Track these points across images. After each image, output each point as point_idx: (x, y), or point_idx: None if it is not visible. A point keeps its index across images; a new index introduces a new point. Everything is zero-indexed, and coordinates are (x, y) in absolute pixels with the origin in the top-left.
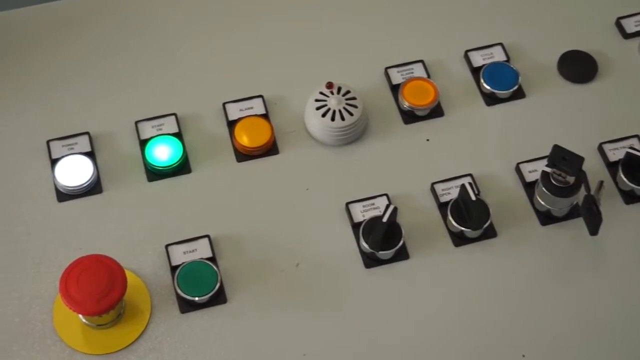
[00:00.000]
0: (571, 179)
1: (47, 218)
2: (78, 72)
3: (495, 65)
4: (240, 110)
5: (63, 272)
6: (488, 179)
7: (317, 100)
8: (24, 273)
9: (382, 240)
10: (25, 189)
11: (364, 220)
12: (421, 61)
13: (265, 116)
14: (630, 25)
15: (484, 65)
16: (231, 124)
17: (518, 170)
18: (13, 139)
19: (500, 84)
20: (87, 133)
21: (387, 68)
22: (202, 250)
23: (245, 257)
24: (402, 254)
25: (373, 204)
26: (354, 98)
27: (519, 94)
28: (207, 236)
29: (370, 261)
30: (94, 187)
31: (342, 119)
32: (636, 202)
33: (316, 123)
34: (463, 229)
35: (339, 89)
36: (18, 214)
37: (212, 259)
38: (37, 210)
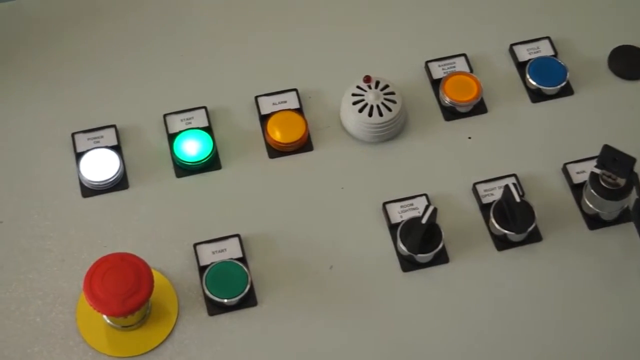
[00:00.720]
0: (622, 181)
1: (71, 214)
2: (104, 63)
3: (542, 60)
4: (273, 104)
5: (87, 270)
6: (533, 179)
7: (354, 95)
8: (46, 271)
9: (421, 242)
10: (48, 183)
11: (402, 221)
12: (464, 55)
13: (300, 110)
14: None
15: (530, 59)
16: (263, 119)
17: (565, 171)
18: (37, 131)
19: (547, 79)
20: (114, 126)
21: (427, 62)
22: (231, 250)
23: (276, 258)
24: (441, 258)
25: (412, 205)
26: (392, 93)
27: (566, 91)
28: (237, 235)
29: (408, 264)
30: (120, 183)
31: (380, 114)
32: None
33: (353, 118)
34: (506, 232)
35: (377, 83)
36: (41, 209)
37: (242, 260)
38: (61, 206)
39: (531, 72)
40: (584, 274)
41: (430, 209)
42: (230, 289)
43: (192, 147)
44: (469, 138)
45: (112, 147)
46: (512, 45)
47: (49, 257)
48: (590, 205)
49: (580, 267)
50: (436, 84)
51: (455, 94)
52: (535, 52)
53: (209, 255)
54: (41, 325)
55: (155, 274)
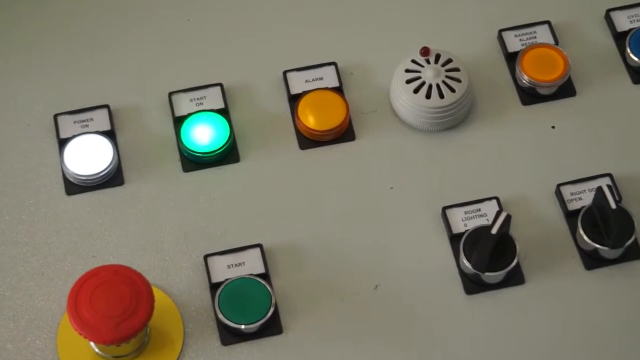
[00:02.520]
0: None
1: (53, 216)
2: (95, 29)
3: None
4: (307, 81)
5: (72, 286)
6: (634, 181)
7: (408, 71)
8: (21, 286)
9: (490, 258)
10: (24, 178)
11: (466, 231)
12: (547, 22)
13: (339, 90)
14: None
15: (631, 30)
16: (294, 99)
17: None
18: (10, 113)
19: None
20: (107, 106)
21: (501, 31)
22: (251, 263)
23: (307, 274)
24: (515, 278)
25: (479, 210)
26: (456, 69)
27: None
28: (259, 245)
29: (473, 285)
30: (113, 178)
31: (441, 96)
32: None
33: (406, 101)
34: (598, 246)
35: (438, 57)
36: (16, 210)
37: (265, 276)
38: (40, 205)
39: (632, 45)
40: None
41: (503, 216)
42: (249, 313)
43: (203, 134)
44: (553, 127)
45: (104, 133)
46: (608, 11)
47: (24, 269)
48: None
49: None
50: (512, 58)
51: (535, 71)
52: (638, 20)
53: (224, 269)
54: (13, 354)
55: (156, 292)
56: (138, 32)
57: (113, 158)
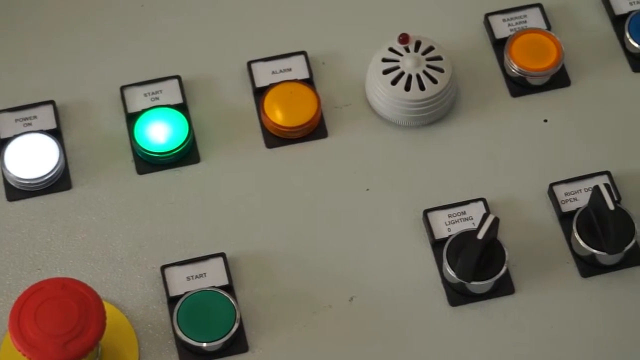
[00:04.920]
0: None
1: None
2: (40, 16)
3: None
4: (273, 72)
5: (15, 302)
6: (634, 180)
7: (385, 61)
8: None
9: (477, 265)
10: None
11: (450, 236)
12: (538, 5)
13: (310, 82)
14: None
15: (631, 12)
16: (259, 93)
17: None
18: None
19: None
20: (52, 102)
21: (487, 15)
22: (214, 275)
23: (275, 286)
24: (504, 287)
25: (464, 213)
26: (438, 58)
27: None
28: (222, 255)
29: (458, 296)
30: (59, 181)
31: (422, 88)
32: None
33: (383, 93)
34: (595, 251)
35: (418, 45)
36: None
37: (229, 288)
38: None
39: (632, 30)
40: None
41: (490, 219)
42: (211, 329)
43: (160, 133)
44: (545, 121)
45: (49, 132)
46: None
47: None
48: None
49: None
50: (500, 45)
51: (526, 60)
52: (638, 2)
53: (183, 282)
54: None
55: (108, 307)
56: (87, 19)
57: (59, 160)
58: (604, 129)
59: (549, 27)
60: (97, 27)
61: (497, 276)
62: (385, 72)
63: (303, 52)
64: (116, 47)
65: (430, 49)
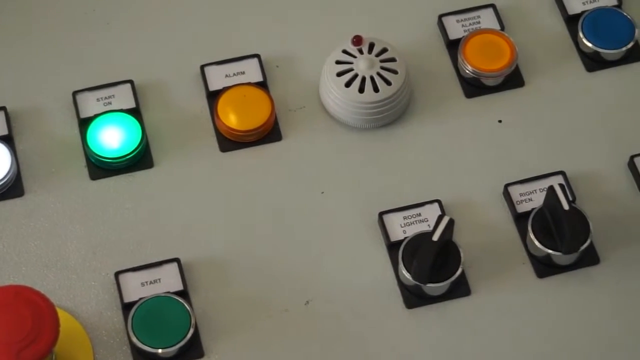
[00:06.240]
0: None
1: None
2: None
3: (600, 12)
4: (227, 76)
5: None
6: (589, 179)
7: (338, 63)
8: None
9: (432, 267)
10: None
11: (406, 238)
12: (491, 6)
13: (263, 85)
14: None
15: (584, 12)
16: (213, 97)
17: (632, 166)
18: None
19: (608, 39)
20: (3, 108)
21: (441, 16)
22: (168, 280)
23: (230, 291)
24: (460, 289)
25: (419, 215)
26: (392, 60)
27: (634, 55)
28: (177, 260)
29: (415, 298)
30: (11, 188)
31: (376, 89)
32: None
33: (337, 96)
34: (550, 251)
35: (371, 47)
36: None
37: (184, 294)
38: None
39: (586, 30)
40: None
41: (445, 221)
42: (166, 335)
43: (112, 138)
44: (499, 122)
45: (1, 138)
46: None
47: None
48: None
49: None
50: (454, 46)
51: (480, 60)
52: (591, 2)
53: (137, 288)
54: None
55: (62, 314)
56: (38, 23)
57: (11, 166)
58: (558, 129)
59: (502, 28)
60: (48, 32)
61: (453, 278)
62: (339, 74)
63: (256, 55)
64: (68, 52)
65: (384, 50)
